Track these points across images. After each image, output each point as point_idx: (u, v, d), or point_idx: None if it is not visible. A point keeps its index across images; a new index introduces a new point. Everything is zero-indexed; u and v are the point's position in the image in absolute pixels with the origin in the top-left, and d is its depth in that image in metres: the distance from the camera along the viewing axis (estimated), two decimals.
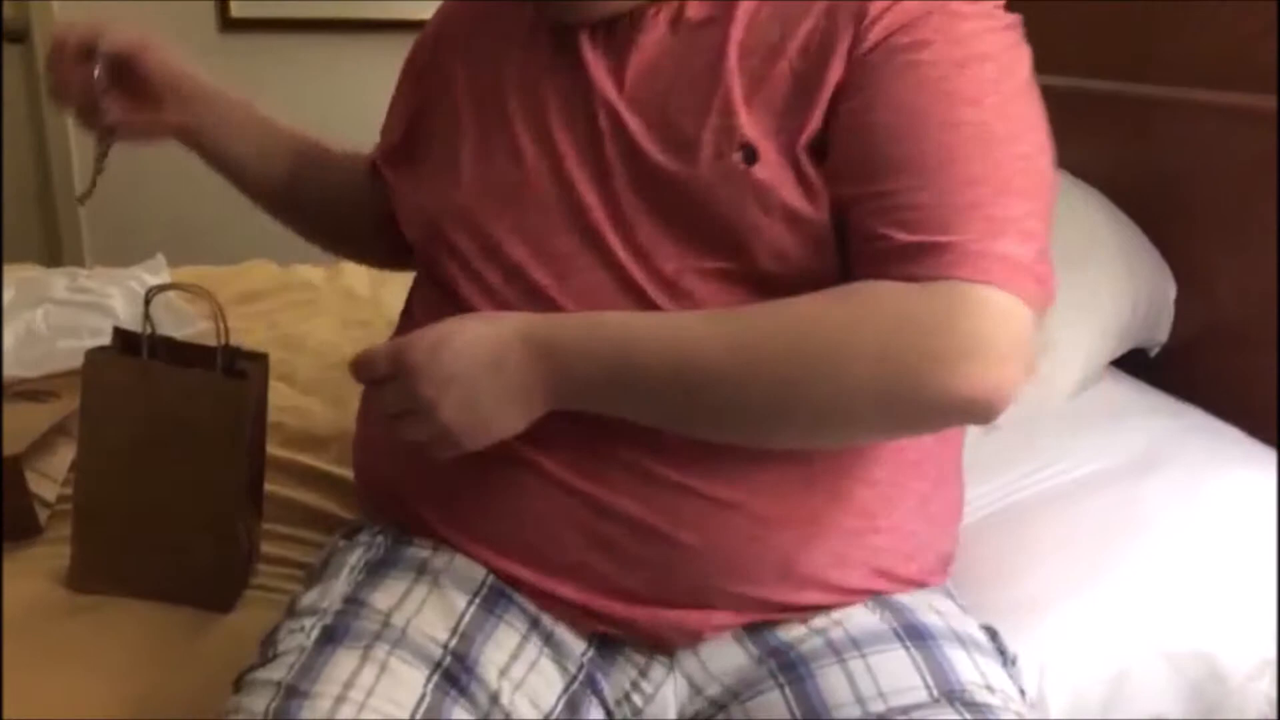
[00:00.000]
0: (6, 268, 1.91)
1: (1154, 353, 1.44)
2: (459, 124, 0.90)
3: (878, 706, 0.75)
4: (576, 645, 0.83)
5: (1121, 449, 1.16)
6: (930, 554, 0.87)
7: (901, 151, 0.75)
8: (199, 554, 1.03)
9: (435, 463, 0.81)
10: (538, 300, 0.81)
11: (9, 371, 1.45)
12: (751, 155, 0.77)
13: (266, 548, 1.14)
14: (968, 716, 0.74)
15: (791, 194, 0.77)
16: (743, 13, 0.81)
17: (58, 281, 1.76)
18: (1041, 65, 1.58)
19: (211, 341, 1.05)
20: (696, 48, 0.82)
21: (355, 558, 0.86)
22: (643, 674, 0.83)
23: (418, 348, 0.76)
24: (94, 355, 1.02)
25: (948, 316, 0.71)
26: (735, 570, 0.79)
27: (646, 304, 0.79)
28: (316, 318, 1.85)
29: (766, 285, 0.77)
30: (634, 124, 0.81)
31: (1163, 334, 1.42)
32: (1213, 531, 1.05)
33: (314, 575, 0.90)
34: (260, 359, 1.08)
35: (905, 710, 0.74)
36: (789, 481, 0.80)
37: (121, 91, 1.00)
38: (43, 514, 1.17)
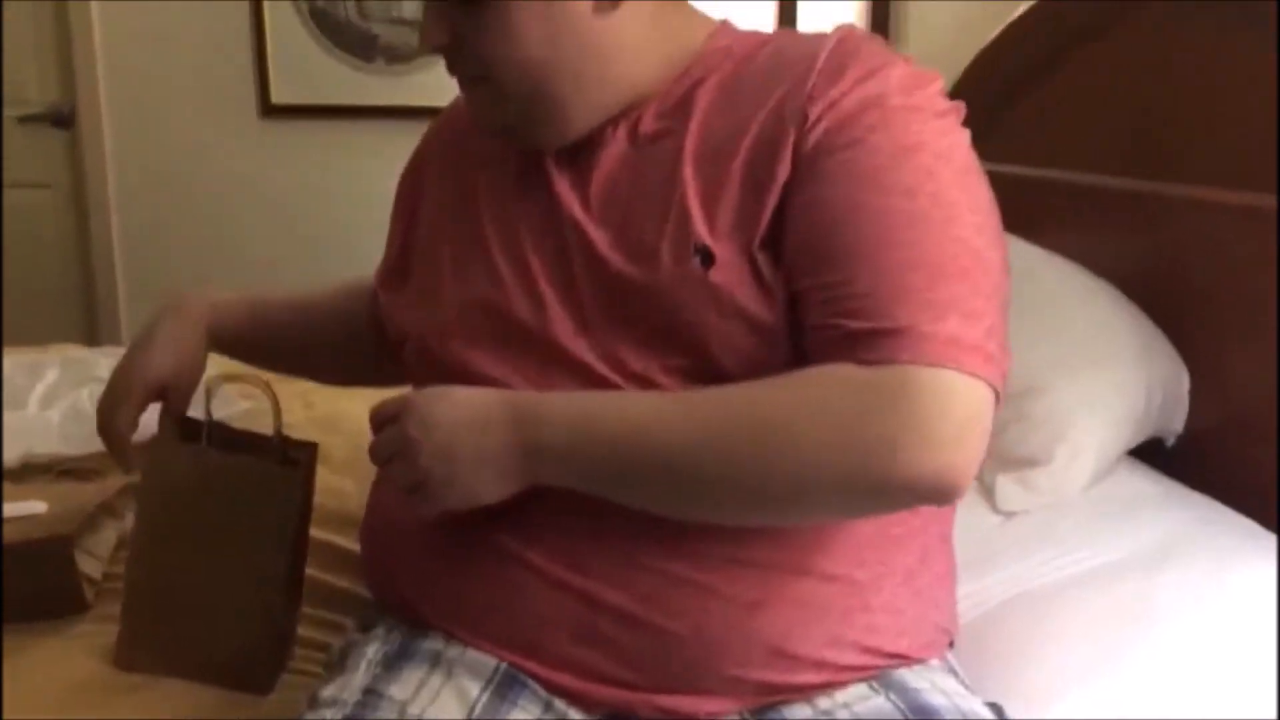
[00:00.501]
0: (51, 348, 1.98)
1: (1170, 442, 1.46)
2: (439, 245, 0.97)
3: None
4: None
5: (1137, 540, 1.18)
6: (923, 628, 0.89)
7: (843, 244, 0.79)
8: (242, 637, 1.06)
9: (431, 558, 0.87)
10: None
11: (55, 449, 1.50)
12: (708, 258, 0.81)
13: (302, 631, 1.16)
14: None
15: (747, 295, 0.81)
16: (695, 123, 0.86)
17: (102, 361, 1.81)
18: (1059, 161, 1.64)
19: (252, 422, 1.09)
20: (653, 160, 0.87)
21: (372, 650, 0.90)
22: None
23: (420, 394, 0.83)
24: (155, 441, 1.06)
25: (895, 400, 0.73)
26: (726, 655, 0.82)
27: None
28: (351, 398, 1.90)
29: (727, 380, 0.81)
30: (598, 237, 0.87)
31: (1178, 424, 1.44)
32: (1225, 626, 1.07)
33: (333, 667, 0.93)
34: (309, 447, 1.11)
35: None
36: (774, 565, 0.82)
37: None
38: (89, 591, 1.21)
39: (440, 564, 0.89)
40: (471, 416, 0.81)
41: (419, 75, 3.01)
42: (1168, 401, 1.41)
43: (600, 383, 0.84)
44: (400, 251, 1.05)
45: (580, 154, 0.91)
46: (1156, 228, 1.51)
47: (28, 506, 1.22)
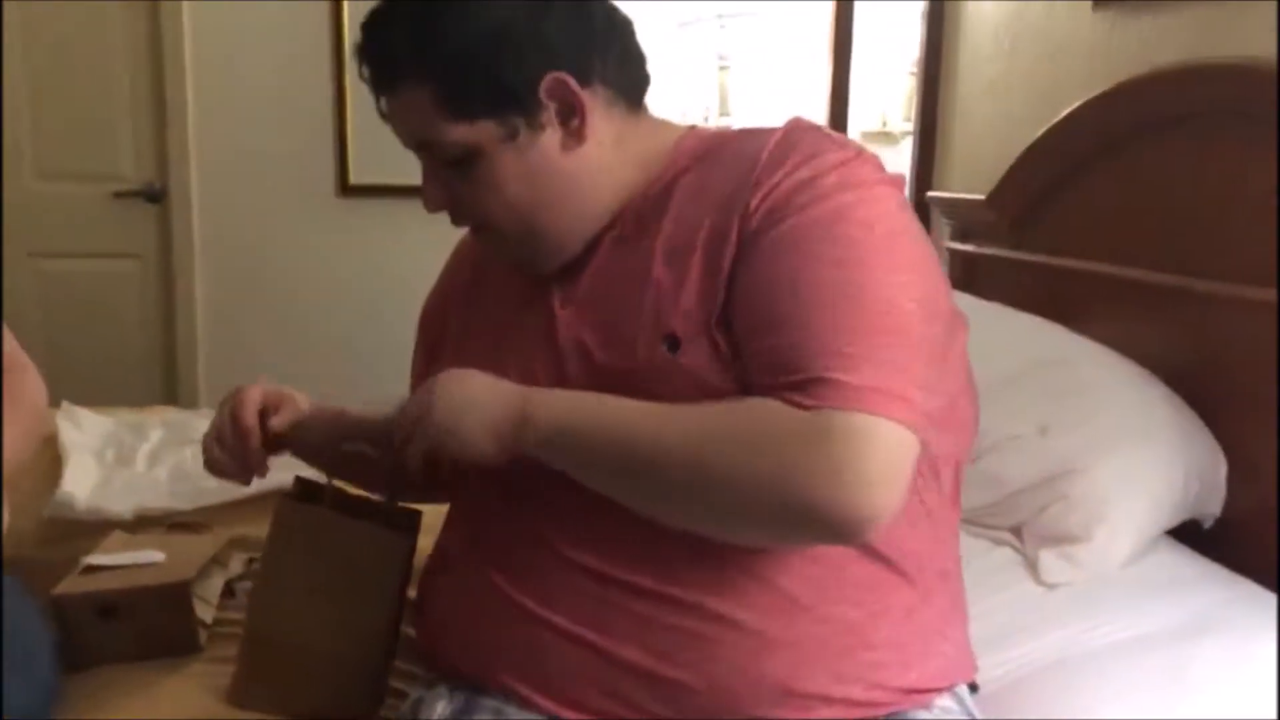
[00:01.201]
0: (152, 409, 2.11)
1: (1208, 525, 1.52)
2: (460, 359, 1.06)
3: None
4: None
5: (1173, 614, 1.24)
6: (929, 663, 0.96)
7: (779, 310, 0.88)
8: (346, 683, 1.14)
9: (474, 628, 0.99)
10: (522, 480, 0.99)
11: (165, 504, 1.62)
12: (675, 344, 0.92)
13: (396, 683, 1.23)
14: None
15: (712, 371, 0.91)
16: (666, 222, 0.98)
17: (201, 424, 1.93)
18: (1100, 254, 1.69)
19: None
20: (632, 259, 0.99)
21: (440, 708, 0.98)
22: None
23: (444, 373, 0.98)
24: (285, 504, 1.15)
25: (819, 441, 0.82)
26: (740, 700, 0.90)
27: None
28: None
29: None
30: (587, 335, 0.98)
31: (1215, 507, 1.50)
32: (1258, 697, 1.12)
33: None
34: (414, 515, 1.20)
35: None
36: (773, 610, 0.91)
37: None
38: (202, 635, 1.31)
39: (481, 632, 1.00)
40: (484, 390, 0.96)
41: None
42: (1205, 486, 1.47)
43: None
44: (424, 371, 1.17)
45: (574, 263, 1.03)
46: (1194, 321, 1.57)
47: (148, 555, 1.32)
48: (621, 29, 1.03)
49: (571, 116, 0.98)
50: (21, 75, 3.18)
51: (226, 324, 3.28)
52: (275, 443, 1.14)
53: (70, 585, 1.26)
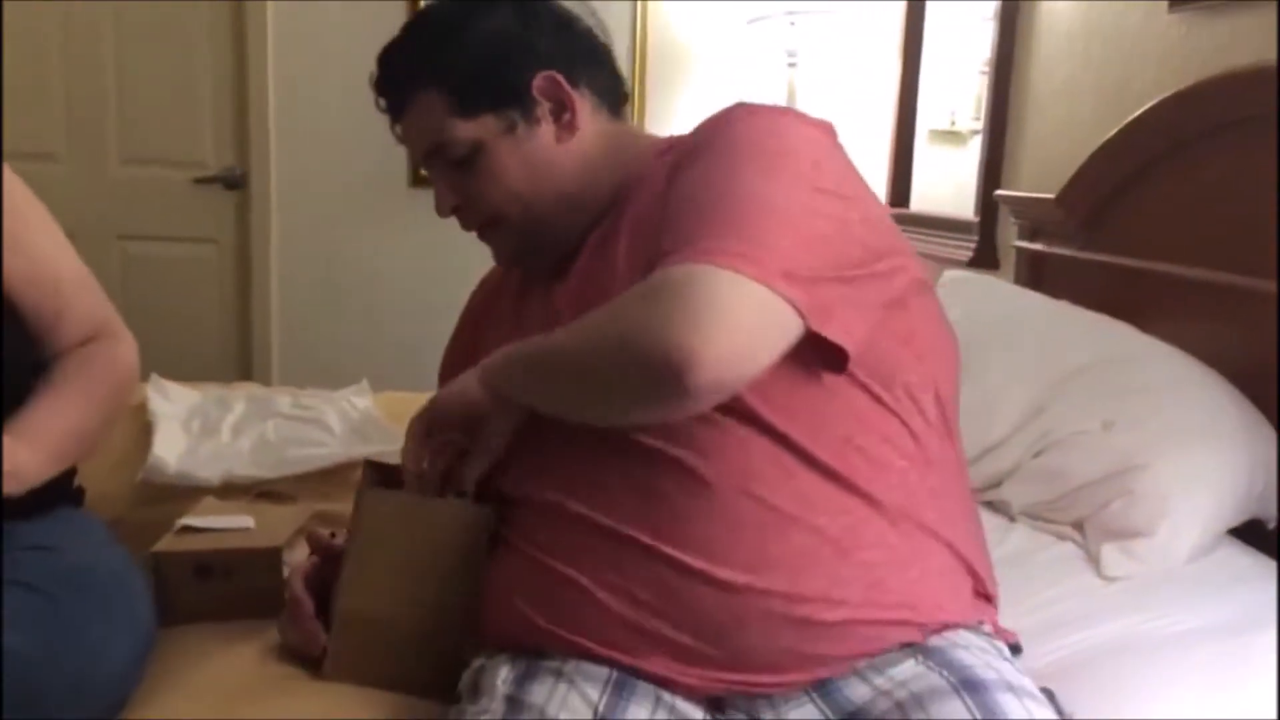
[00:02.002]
0: (235, 385, 2.19)
1: (1272, 525, 1.51)
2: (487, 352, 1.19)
3: None
4: (695, 712, 0.98)
5: (1235, 608, 1.25)
6: (930, 584, 1.00)
7: (669, 213, 1.00)
8: (432, 656, 1.18)
9: (526, 602, 1.05)
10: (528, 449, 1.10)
11: (250, 473, 1.69)
12: None
13: None
14: None
15: None
16: (627, 222, 1.09)
17: (282, 399, 2.01)
18: (1177, 257, 1.69)
19: None
20: (605, 259, 1.09)
21: (504, 673, 1.03)
22: None
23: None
24: (369, 491, 1.19)
25: (656, 294, 0.89)
26: (747, 614, 0.95)
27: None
28: None
29: None
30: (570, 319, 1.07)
31: (1278, 508, 1.50)
32: None
33: (469, 692, 1.06)
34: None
35: None
36: (770, 525, 0.96)
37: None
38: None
39: (523, 599, 1.06)
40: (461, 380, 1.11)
41: None
42: (1270, 485, 1.47)
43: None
44: (461, 360, 1.26)
45: (565, 267, 1.14)
46: (1261, 321, 1.56)
47: (240, 520, 1.39)
48: (602, 49, 1.22)
49: (563, 112, 1.14)
50: (110, 64, 3.30)
51: (300, 307, 3.38)
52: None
53: (168, 544, 1.33)
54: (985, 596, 1.07)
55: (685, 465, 0.98)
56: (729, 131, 1.04)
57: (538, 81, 1.13)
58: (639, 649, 0.98)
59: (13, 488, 1.19)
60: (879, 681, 0.96)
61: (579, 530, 1.03)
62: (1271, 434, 1.51)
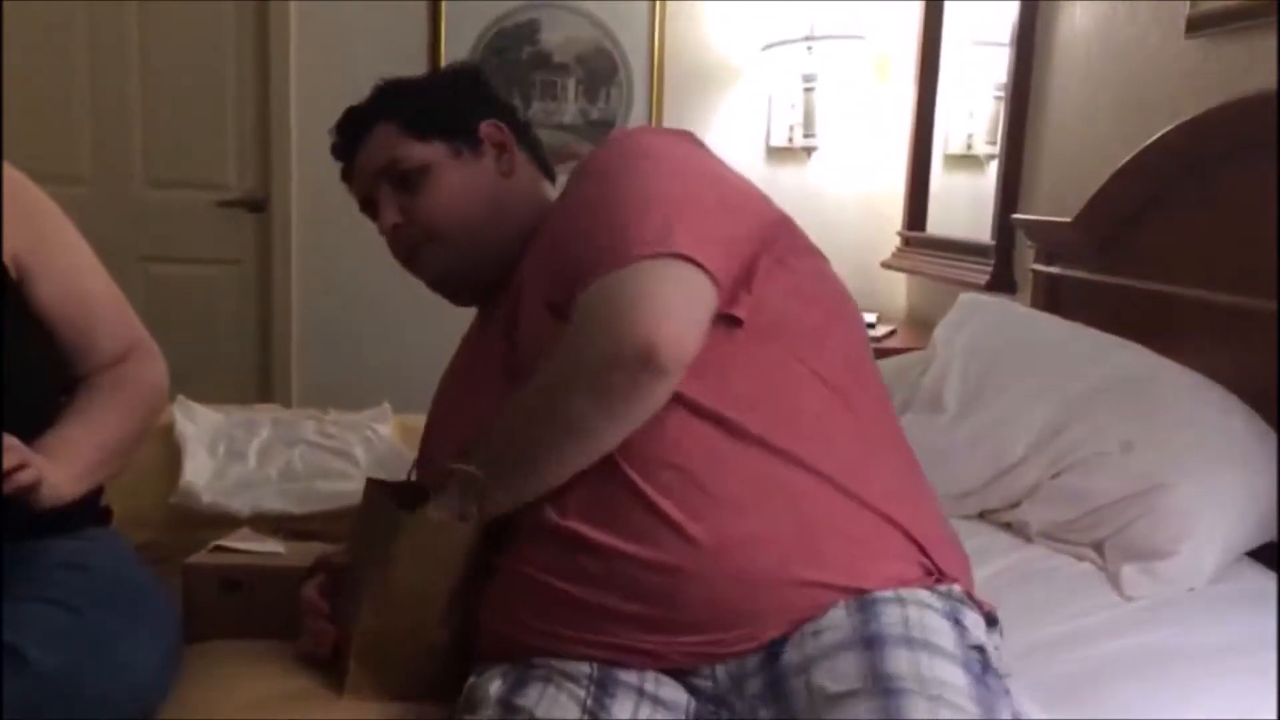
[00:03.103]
0: (258, 407, 2.20)
1: None
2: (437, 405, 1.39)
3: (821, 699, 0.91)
4: (680, 698, 1.01)
5: (1254, 627, 1.25)
6: (875, 546, 1.02)
7: (561, 254, 1.11)
8: (444, 664, 1.19)
9: (507, 607, 1.10)
10: None
11: (278, 506, 1.69)
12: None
13: None
14: (879, 700, 0.87)
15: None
16: (529, 260, 1.20)
17: (307, 425, 2.02)
18: (1194, 280, 1.69)
19: None
20: (526, 300, 1.17)
21: (496, 685, 1.05)
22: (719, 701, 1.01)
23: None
24: (390, 512, 1.20)
25: (592, 313, 1.00)
26: (713, 609, 0.99)
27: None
28: None
29: None
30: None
31: None
32: None
33: (464, 707, 1.07)
34: None
35: (835, 698, 0.90)
36: (719, 518, 0.99)
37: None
38: None
39: (509, 611, 1.10)
40: None
41: None
42: None
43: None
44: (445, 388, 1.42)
45: (490, 311, 1.28)
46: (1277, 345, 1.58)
47: (271, 546, 1.41)
48: (537, 137, 1.37)
49: (504, 153, 1.30)
50: (135, 87, 3.35)
51: (321, 329, 3.41)
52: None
53: (200, 558, 1.35)
54: (930, 559, 1.05)
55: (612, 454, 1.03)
56: (593, 160, 1.17)
57: (484, 126, 1.29)
58: (599, 627, 1.02)
59: (43, 505, 1.21)
60: (811, 637, 0.97)
61: (539, 536, 1.08)
62: None
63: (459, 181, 1.26)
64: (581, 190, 1.16)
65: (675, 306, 0.96)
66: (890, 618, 0.96)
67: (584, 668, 1.03)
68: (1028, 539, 1.57)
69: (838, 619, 0.97)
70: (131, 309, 1.45)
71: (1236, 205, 1.73)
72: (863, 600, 0.97)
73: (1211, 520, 1.40)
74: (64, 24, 3.29)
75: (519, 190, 1.30)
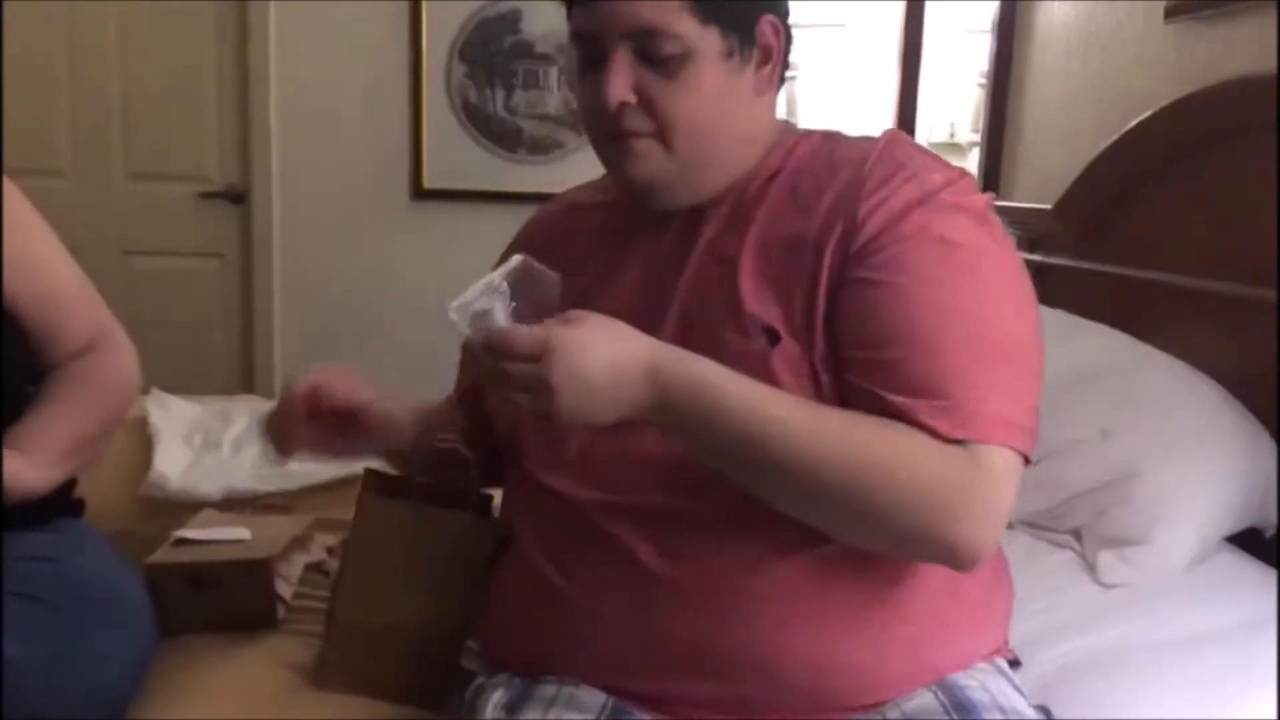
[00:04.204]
0: (237, 398, 2.19)
1: (1270, 533, 1.51)
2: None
3: None
4: None
5: (1233, 614, 1.25)
6: (968, 640, 1.00)
7: (895, 327, 0.92)
8: (428, 662, 1.19)
9: (534, 622, 1.03)
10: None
11: (251, 487, 1.69)
12: (775, 338, 0.96)
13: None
14: None
15: (799, 372, 0.95)
16: (761, 216, 1.01)
17: None
18: (1176, 266, 1.70)
19: None
20: (725, 265, 1.01)
21: (496, 697, 1.02)
22: None
23: (566, 340, 0.87)
24: (370, 499, 1.19)
25: (965, 475, 0.87)
26: (780, 671, 0.94)
27: None
28: None
29: None
30: (688, 311, 1.01)
31: (1277, 515, 1.49)
32: None
33: (468, 708, 1.06)
34: (488, 498, 1.24)
35: None
36: (807, 583, 0.94)
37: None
38: (281, 610, 1.37)
39: (533, 622, 1.04)
40: (613, 373, 0.88)
41: (558, 165, 3.25)
42: (1267, 493, 1.47)
43: None
44: None
45: (684, 240, 1.05)
46: (1259, 330, 1.57)
47: (236, 532, 1.39)
48: (792, 35, 1.10)
49: (766, 63, 1.05)
50: (114, 80, 3.32)
51: (303, 321, 3.39)
52: (339, 421, 1.12)
53: (161, 556, 1.33)
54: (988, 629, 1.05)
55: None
56: (946, 228, 0.95)
57: (763, 22, 1.04)
58: (655, 689, 0.97)
59: (13, 497, 1.19)
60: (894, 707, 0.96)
61: (605, 555, 0.99)
62: (1269, 442, 1.51)
63: (718, 87, 1.02)
64: (939, 276, 0.94)
65: (1004, 518, 0.91)
66: (975, 694, 0.96)
67: (598, 698, 0.99)
68: (1008, 526, 1.57)
69: (925, 701, 0.96)
70: (100, 298, 1.43)
71: (1217, 190, 1.73)
72: (943, 681, 0.97)
73: (1189, 506, 1.40)
74: (43, 16, 3.25)
75: (762, 115, 1.08)
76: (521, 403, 0.88)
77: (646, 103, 1.01)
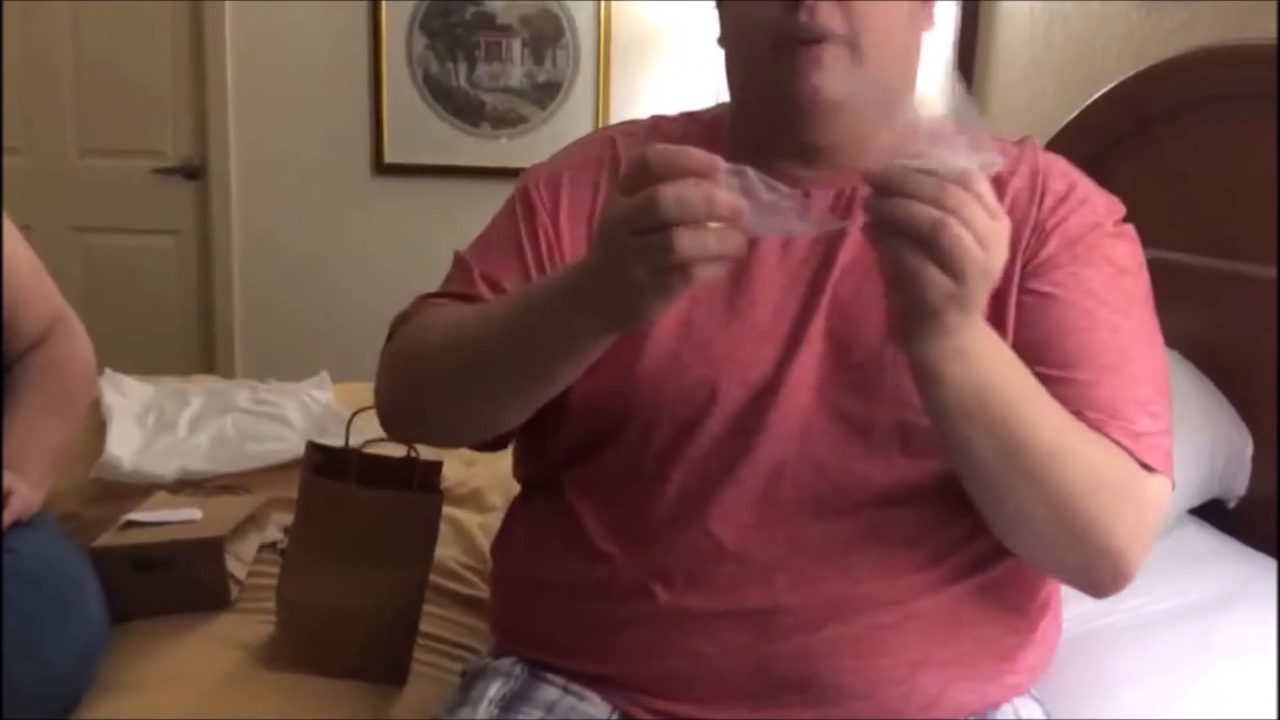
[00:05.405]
0: (194, 378, 2.15)
1: (1232, 504, 1.52)
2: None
3: None
4: None
5: (1197, 590, 1.25)
6: (1029, 670, 0.99)
7: (1081, 346, 0.90)
8: (384, 639, 1.18)
9: (565, 610, 0.96)
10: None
11: (206, 468, 1.66)
12: None
13: (426, 627, 1.27)
14: None
15: None
16: None
17: (241, 393, 1.98)
18: (1143, 240, 1.70)
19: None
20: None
21: (494, 690, 0.96)
22: None
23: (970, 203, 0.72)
24: (309, 478, 1.18)
25: (1140, 497, 0.87)
26: (887, 706, 0.91)
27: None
28: None
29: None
30: (848, 316, 0.93)
31: (1240, 487, 1.50)
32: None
33: (463, 691, 1.01)
34: (434, 466, 1.23)
35: None
36: (935, 627, 0.92)
37: None
38: (234, 589, 1.35)
39: (588, 617, 0.95)
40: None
41: (520, 140, 3.21)
42: (1230, 465, 1.48)
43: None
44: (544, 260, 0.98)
45: (830, 241, 0.94)
46: (1221, 301, 1.58)
47: (186, 513, 1.37)
48: None
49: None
50: (67, 53, 3.24)
51: (262, 299, 3.34)
52: None
53: (107, 539, 1.31)
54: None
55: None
56: (1119, 254, 0.95)
57: None
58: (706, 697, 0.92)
59: (20, 519, 1.21)
60: None
61: (737, 580, 0.91)
62: (1231, 413, 1.51)
63: (905, 9, 0.93)
64: (1121, 302, 0.92)
65: (1154, 534, 0.91)
66: (1006, 711, 0.97)
67: (603, 709, 0.95)
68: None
69: None
70: (53, 283, 1.40)
71: (1179, 162, 1.72)
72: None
73: None
74: None
75: (920, 56, 0.98)
76: (926, 252, 0.70)
77: (845, 11, 0.88)
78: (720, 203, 0.69)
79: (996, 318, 0.90)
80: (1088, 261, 0.93)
